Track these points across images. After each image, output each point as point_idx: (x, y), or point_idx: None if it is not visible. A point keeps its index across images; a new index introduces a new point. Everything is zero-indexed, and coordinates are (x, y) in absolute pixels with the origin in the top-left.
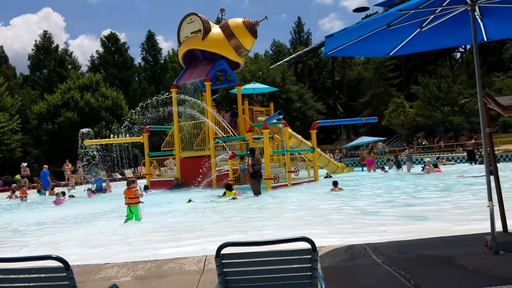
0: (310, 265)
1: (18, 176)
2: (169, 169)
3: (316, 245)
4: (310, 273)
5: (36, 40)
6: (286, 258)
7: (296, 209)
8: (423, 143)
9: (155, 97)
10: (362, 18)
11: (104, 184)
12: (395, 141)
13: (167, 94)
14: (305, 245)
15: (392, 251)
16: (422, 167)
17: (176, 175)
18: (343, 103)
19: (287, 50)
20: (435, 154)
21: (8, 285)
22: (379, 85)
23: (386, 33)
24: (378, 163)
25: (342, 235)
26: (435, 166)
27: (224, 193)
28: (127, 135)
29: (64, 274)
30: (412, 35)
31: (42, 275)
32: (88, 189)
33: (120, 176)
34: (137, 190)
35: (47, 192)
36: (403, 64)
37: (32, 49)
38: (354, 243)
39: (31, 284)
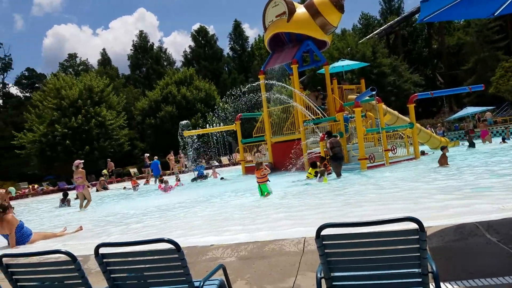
0: (418, 245)
1: (104, 171)
2: (262, 155)
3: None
4: (418, 254)
5: (133, 40)
6: (392, 239)
7: (396, 188)
8: None
9: (243, 86)
10: None
11: (210, 171)
12: (504, 109)
13: (254, 81)
14: (411, 226)
15: (508, 228)
16: None
17: (269, 160)
18: (443, 73)
19: (377, 21)
20: None
21: (126, 267)
22: (483, 50)
23: None
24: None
25: (451, 214)
26: None
27: (310, 173)
28: (221, 124)
29: (176, 256)
30: None
31: (156, 257)
32: (177, 179)
33: (217, 163)
34: (264, 170)
35: (157, 180)
36: (509, 24)
37: (131, 49)
38: (465, 222)
39: (147, 265)
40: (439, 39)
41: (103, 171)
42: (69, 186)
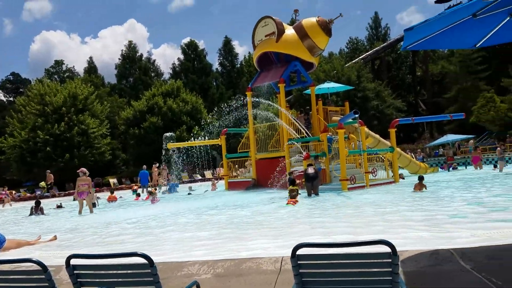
0: (390, 269)
1: (42, 183)
2: (246, 171)
3: (398, 249)
4: (390, 278)
5: (122, 50)
6: (365, 262)
7: (374, 211)
8: None
9: (231, 101)
10: (445, 9)
11: (210, 183)
12: (485, 138)
13: (243, 97)
14: (385, 249)
15: (481, 256)
16: None
17: (252, 176)
18: (426, 100)
19: (364, 46)
20: None
21: (98, 280)
22: (465, 80)
23: (472, 23)
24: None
25: (426, 239)
26: None
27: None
28: (206, 138)
29: (149, 271)
30: (502, 23)
31: (128, 271)
32: (149, 192)
33: (200, 177)
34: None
35: (145, 190)
36: (492, 55)
37: (119, 59)
38: (439, 248)
39: (119, 279)
40: (423, 66)
41: (41, 183)
42: (46, 194)
